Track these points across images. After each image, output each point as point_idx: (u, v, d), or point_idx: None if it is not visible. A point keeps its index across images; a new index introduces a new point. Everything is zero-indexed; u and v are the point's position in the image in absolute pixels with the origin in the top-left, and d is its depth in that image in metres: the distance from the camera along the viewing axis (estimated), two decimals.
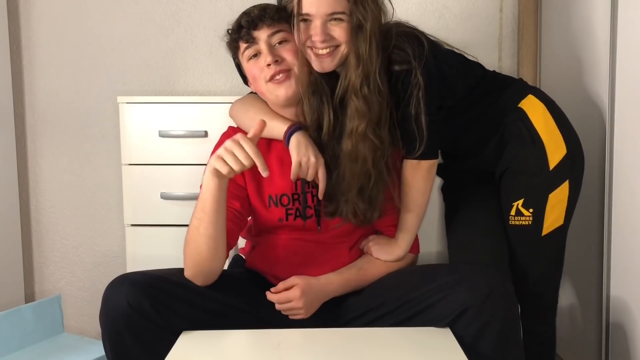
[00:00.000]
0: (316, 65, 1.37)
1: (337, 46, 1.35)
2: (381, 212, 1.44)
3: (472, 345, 1.24)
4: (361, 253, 1.52)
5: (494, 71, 1.58)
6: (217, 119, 1.80)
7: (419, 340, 1.28)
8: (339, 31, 1.34)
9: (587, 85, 1.62)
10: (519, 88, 1.52)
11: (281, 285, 1.37)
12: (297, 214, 1.46)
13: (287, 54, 1.39)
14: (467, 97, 1.48)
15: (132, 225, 1.85)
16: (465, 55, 1.51)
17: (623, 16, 1.44)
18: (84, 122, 2.14)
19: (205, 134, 1.81)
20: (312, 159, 1.38)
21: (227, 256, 1.40)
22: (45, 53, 2.13)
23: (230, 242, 1.40)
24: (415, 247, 1.53)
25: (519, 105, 1.47)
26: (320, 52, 1.35)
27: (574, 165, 1.47)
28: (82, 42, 2.12)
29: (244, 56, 1.43)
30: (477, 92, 1.49)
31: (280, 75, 1.38)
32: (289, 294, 1.36)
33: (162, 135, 1.81)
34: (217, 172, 1.27)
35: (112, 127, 2.06)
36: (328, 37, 1.33)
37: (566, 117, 1.49)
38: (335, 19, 1.33)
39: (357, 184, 1.38)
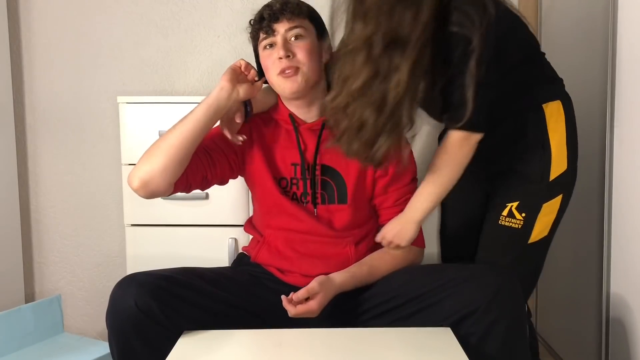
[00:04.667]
0: None
1: None
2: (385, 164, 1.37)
3: (480, 343, 1.25)
4: (367, 248, 1.52)
5: (543, 55, 1.51)
6: None
7: (419, 340, 1.28)
8: None
9: (586, 86, 1.62)
10: (555, 89, 1.48)
11: (304, 292, 1.35)
12: (294, 197, 1.48)
13: (300, 50, 1.42)
14: (508, 76, 1.40)
15: (132, 225, 1.85)
16: (526, 26, 1.44)
17: (623, 18, 1.44)
18: (84, 122, 2.14)
19: None
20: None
21: (176, 189, 1.39)
22: (45, 53, 2.13)
23: (188, 175, 1.39)
24: (420, 240, 1.53)
25: (543, 106, 1.44)
26: None
27: (569, 183, 1.47)
28: (82, 42, 2.12)
29: (261, 45, 1.47)
30: (518, 72, 1.42)
31: (289, 70, 1.42)
32: (309, 308, 1.34)
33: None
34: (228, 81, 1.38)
35: (112, 127, 2.06)
36: None
37: (577, 137, 1.47)
38: None
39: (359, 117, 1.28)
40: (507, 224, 1.46)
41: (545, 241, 1.47)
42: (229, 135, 1.44)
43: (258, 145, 1.50)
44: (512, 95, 1.44)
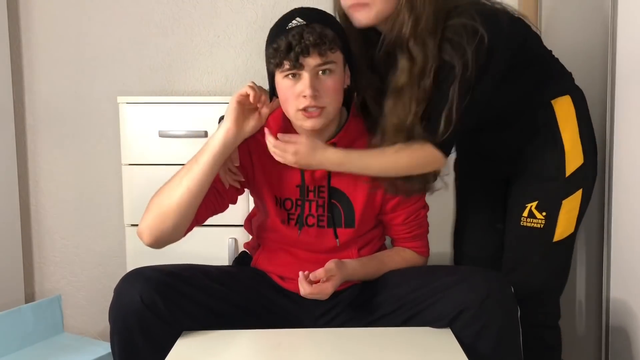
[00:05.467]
0: (354, 18, 1.34)
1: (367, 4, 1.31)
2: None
3: (471, 346, 1.25)
4: (371, 252, 1.51)
5: (550, 52, 1.51)
6: (217, 119, 1.79)
7: (419, 340, 1.28)
8: None
9: (586, 86, 1.62)
10: (562, 84, 1.48)
11: (322, 273, 1.31)
12: (298, 219, 1.44)
13: (327, 89, 1.30)
14: (518, 81, 1.43)
15: (132, 225, 1.85)
16: (529, 27, 1.45)
17: (623, 18, 1.44)
18: (84, 122, 2.14)
19: (205, 134, 1.80)
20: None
21: (187, 232, 1.38)
22: (45, 53, 2.13)
23: (198, 219, 1.38)
24: (426, 250, 1.53)
25: (552, 102, 1.44)
26: (356, 2, 1.32)
27: (587, 177, 1.46)
28: (82, 43, 2.12)
29: (281, 72, 1.31)
30: (526, 75, 1.44)
31: (314, 109, 1.30)
32: (323, 289, 1.31)
33: (162, 135, 1.81)
34: (234, 117, 1.32)
35: (112, 127, 2.06)
36: None
37: (592, 130, 1.47)
38: None
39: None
40: (528, 224, 1.46)
41: (572, 237, 1.47)
42: (227, 184, 1.39)
43: (260, 166, 1.43)
44: (520, 96, 1.45)
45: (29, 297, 2.18)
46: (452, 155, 1.71)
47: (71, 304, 2.18)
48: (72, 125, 2.14)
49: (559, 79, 1.48)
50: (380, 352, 1.24)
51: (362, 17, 1.32)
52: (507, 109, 1.47)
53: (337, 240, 1.43)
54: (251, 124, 1.35)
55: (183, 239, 1.84)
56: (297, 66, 1.28)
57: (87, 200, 2.16)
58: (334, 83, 1.31)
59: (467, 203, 1.65)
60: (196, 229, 1.82)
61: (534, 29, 1.47)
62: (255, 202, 1.54)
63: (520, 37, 1.41)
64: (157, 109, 1.83)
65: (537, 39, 1.49)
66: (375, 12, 1.31)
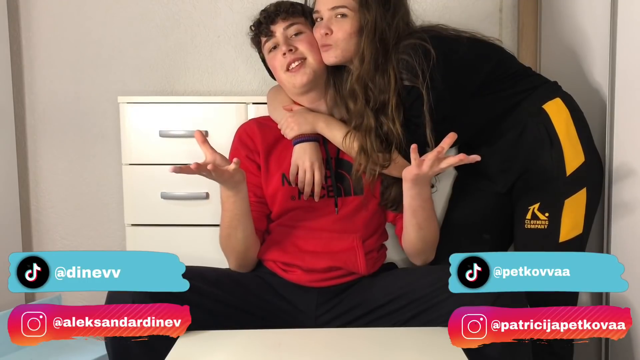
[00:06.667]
0: (323, 57, 1.46)
1: (337, 41, 1.41)
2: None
3: (479, 347, 1.24)
4: (375, 246, 1.52)
5: (528, 68, 1.56)
6: (217, 119, 1.79)
7: (419, 340, 1.28)
8: (338, 27, 1.41)
9: (586, 85, 1.62)
10: (547, 90, 1.50)
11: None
12: (310, 193, 1.49)
13: (301, 44, 1.47)
14: (488, 96, 1.47)
15: (132, 225, 1.85)
16: (501, 49, 1.51)
17: (623, 16, 1.45)
18: (84, 122, 2.14)
19: (206, 134, 1.80)
20: (307, 163, 1.44)
21: (262, 240, 1.52)
22: (45, 53, 2.13)
23: (260, 227, 1.49)
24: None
25: (543, 107, 1.46)
26: (323, 42, 1.43)
27: (592, 175, 1.46)
28: (82, 42, 2.11)
29: (265, 49, 1.53)
30: (500, 94, 1.48)
31: (295, 63, 1.46)
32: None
33: (162, 135, 1.81)
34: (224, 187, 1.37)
35: (112, 127, 2.06)
36: (329, 31, 1.41)
37: (589, 129, 1.48)
38: (340, 15, 1.40)
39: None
40: (532, 226, 1.47)
41: (580, 238, 1.47)
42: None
43: (265, 151, 1.52)
44: (506, 109, 1.48)
45: (29, 297, 2.18)
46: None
47: (71, 304, 2.18)
48: (72, 125, 2.14)
49: (544, 87, 1.50)
50: (381, 352, 1.24)
51: (329, 57, 1.44)
52: (493, 123, 1.50)
53: (337, 209, 1.49)
54: (229, 170, 1.31)
55: (182, 241, 1.87)
56: (268, 34, 1.49)
57: (87, 200, 2.16)
58: (307, 39, 1.47)
59: (458, 204, 1.65)
60: (195, 231, 1.84)
61: (508, 50, 1.54)
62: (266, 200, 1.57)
63: (482, 55, 1.46)
64: (158, 109, 1.83)
65: (512, 59, 1.54)
66: (338, 52, 1.43)
